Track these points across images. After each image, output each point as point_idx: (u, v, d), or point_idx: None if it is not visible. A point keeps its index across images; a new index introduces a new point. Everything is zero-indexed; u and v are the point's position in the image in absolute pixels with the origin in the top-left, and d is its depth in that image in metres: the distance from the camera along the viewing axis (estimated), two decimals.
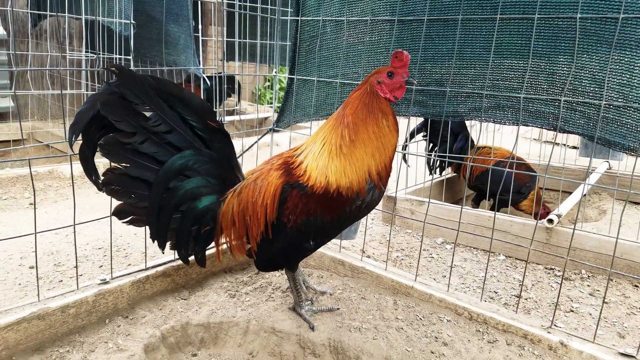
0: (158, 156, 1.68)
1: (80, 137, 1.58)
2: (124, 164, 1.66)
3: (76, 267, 2.06)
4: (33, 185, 1.94)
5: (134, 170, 1.67)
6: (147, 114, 1.67)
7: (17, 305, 1.82)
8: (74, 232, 1.98)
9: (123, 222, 1.75)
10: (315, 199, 1.72)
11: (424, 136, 3.98)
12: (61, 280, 2.38)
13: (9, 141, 5.03)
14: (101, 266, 2.55)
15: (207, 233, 1.86)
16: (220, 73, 4.35)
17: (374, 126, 1.71)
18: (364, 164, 1.72)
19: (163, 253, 1.92)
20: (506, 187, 3.42)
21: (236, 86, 6.29)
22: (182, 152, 1.70)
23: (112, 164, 1.68)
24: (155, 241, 1.80)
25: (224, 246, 1.93)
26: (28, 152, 4.93)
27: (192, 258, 1.93)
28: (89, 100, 1.55)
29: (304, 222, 1.76)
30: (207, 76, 4.22)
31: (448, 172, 4.19)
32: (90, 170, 1.62)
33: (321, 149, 1.77)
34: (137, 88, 1.57)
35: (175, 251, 1.89)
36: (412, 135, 3.81)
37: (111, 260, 2.15)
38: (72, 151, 1.62)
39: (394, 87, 1.72)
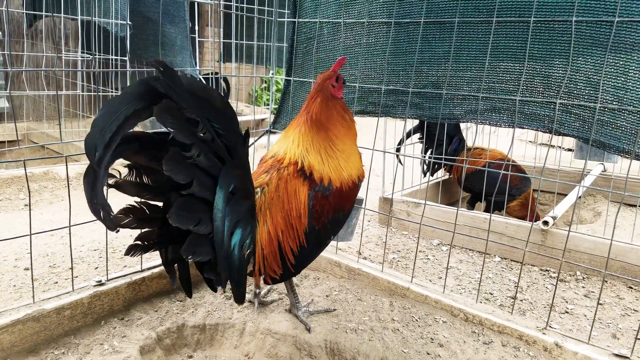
0: (212, 170, 1.43)
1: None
2: (186, 183, 1.37)
3: (71, 268, 2.05)
4: (28, 186, 1.93)
5: (199, 189, 1.40)
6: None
7: (12, 307, 1.81)
8: (70, 233, 1.98)
9: (189, 259, 1.47)
10: (338, 195, 1.81)
11: (419, 138, 3.99)
12: (56, 282, 2.37)
13: (4, 142, 5.01)
14: (97, 268, 2.54)
15: (248, 257, 1.64)
16: (216, 74, 4.35)
17: (344, 121, 1.91)
18: (356, 152, 1.92)
19: (241, 304, 1.64)
20: (497, 188, 3.43)
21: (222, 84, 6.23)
22: (224, 166, 1.46)
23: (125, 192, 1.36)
24: (236, 285, 1.53)
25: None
26: (23, 153, 4.91)
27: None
28: (120, 104, 1.21)
29: (330, 220, 1.81)
30: (202, 76, 4.22)
31: (443, 174, 4.20)
32: (104, 199, 1.22)
33: (319, 152, 1.81)
34: (181, 90, 1.29)
35: (233, 288, 1.57)
36: (408, 135, 3.81)
37: (107, 262, 2.14)
38: (101, 171, 1.19)
39: (340, 87, 1.93)
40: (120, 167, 1.38)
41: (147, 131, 1.38)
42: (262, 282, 1.95)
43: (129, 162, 1.36)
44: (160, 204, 1.45)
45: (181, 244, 1.43)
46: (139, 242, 1.45)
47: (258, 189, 1.75)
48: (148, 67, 4.75)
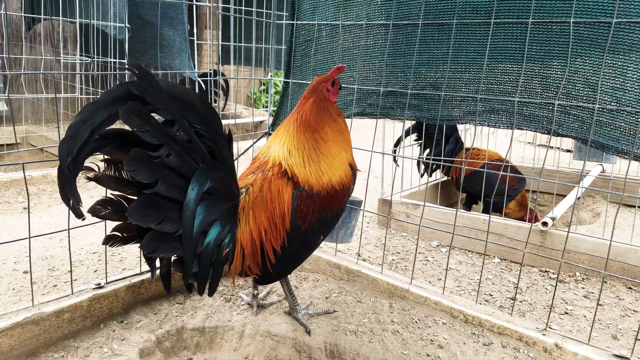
0: (183, 170, 1.45)
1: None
2: (150, 182, 1.39)
3: (70, 271, 2.05)
4: (27, 189, 1.93)
5: (165, 188, 1.41)
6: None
7: (11, 310, 1.81)
8: (68, 236, 1.97)
9: (150, 255, 1.48)
10: (324, 196, 1.81)
11: (416, 139, 3.98)
12: (55, 285, 2.37)
13: (2, 145, 5.01)
14: (96, 271, 2.54)
15: (227, 256, 1.68)
16: (215, 77, 4.35)
17: (335, 124, 1.90)
18: (342, 157, 1.90)
19: (203, 295, 1.66)
20: (492, 189, 3.43)
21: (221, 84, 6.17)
22: (201, 167, 1.49)
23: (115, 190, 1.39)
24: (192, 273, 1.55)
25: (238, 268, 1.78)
26: (22, 156, 4.91)
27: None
28: (94, 109, 1.25)
29: (316, 220, 1.81)
30: (201, 78, 4.21)
31: (441, 175, 4.20)
32: (74, 192, 1.26)
33: (302, 155, 1.82)
34: (157, 92, 1.33)
35: (196, 283, 1.61)
36: (406, 134, 3.81)
37: (106, 265, 2.14)
38: (70, 172, 1.24)
39: (335, 92, 1.95)
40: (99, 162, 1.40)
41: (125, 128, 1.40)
42: (250, 281, 1.95)
43: (107, 157, 1.38)
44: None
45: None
46: (118, 234, 1.46)
47: (243, 190, 1.76)
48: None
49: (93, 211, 1.39)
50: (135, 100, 1.29)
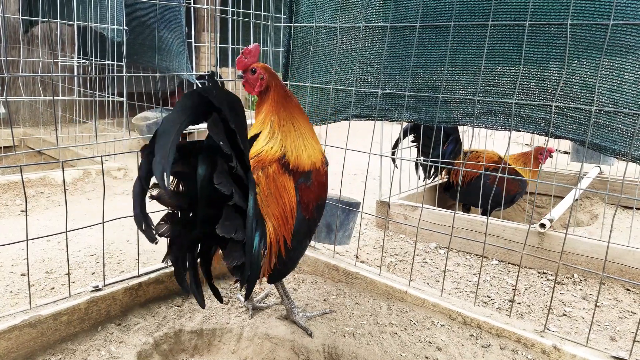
0: (244, 179, 1.45)
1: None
2: (228, 194, 1.40)
3: (68, 274, 2.04)
4: (25, 192, 1.92)
5: (238, 198, 1.42)
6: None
7: (9, 313, 1.80)
8: (66, 239, 1.97)
9: (233, 265, 1.53)
10: (317, 183, 1.92)
11: (412, 141, 3.97)
12: (53, 288, 2.36)
13: (0, 148, 5.00)
14: (93, 273, 2.53)
15: (263, 256, 1.70)
16: (213, 73, 4.35)
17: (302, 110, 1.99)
18: (318, 146, 1.99)
19: (246, 300, 1.71)
20: (496, 199, 3.41)
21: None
22: (249, 174, 1.48)
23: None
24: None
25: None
26: (19, 159, 4.90)
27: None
28: (176, 119, 1.24)
29: (314, 209, 1.91)
30: (199, 75, 4.20)
31: (441, 177, 4.20)
32: (146, 213, 1.27)
33: (297, 139, 1.90)
34: (229, 104, 1.33)
35: (246, 285, 1.61)
36: (405, 134, 3.80)
37: (104, 267, 2.14)
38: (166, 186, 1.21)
39: (256, 80, 1.94)
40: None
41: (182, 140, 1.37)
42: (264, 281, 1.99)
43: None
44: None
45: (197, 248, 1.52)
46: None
47: None
48: (145, 72, 4.75)
49: (160, 233, 1.42)
50: (213, 111, 1.31)
